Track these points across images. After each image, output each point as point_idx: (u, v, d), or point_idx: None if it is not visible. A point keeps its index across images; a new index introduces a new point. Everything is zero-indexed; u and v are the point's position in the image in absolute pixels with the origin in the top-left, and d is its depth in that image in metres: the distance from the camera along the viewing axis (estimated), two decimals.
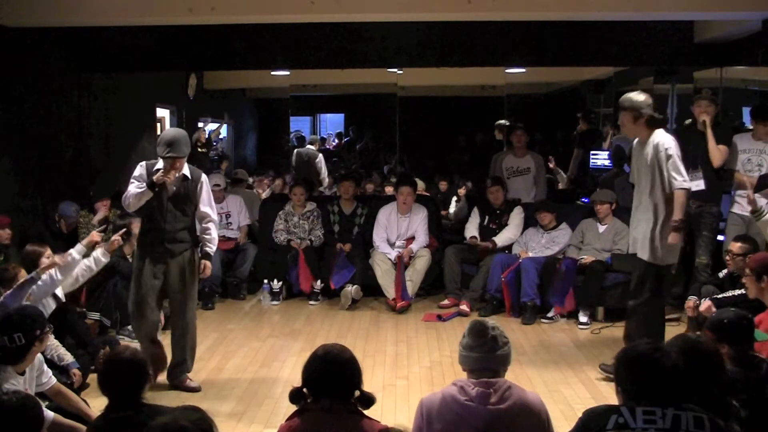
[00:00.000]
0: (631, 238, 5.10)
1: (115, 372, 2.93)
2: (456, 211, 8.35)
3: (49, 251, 5.04)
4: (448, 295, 7.13)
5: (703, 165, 6.09)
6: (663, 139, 4.80)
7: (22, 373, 3.56)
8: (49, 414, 3.41)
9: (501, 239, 7.09)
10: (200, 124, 11.85)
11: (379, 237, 7.36)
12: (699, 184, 6.09)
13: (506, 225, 7.18)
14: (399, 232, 7.38)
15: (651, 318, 4.88)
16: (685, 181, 4.76)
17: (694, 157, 6.17)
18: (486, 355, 2.85)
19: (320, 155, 11.19)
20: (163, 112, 11.09)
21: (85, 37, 7.38)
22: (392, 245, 7.33)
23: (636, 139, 5.01)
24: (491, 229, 7.19)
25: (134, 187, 4.71)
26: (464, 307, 6.85)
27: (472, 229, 7.27)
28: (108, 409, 2.91)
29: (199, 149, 11.21)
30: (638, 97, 4.88)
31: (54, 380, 3.83)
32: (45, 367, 3.81)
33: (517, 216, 7.18)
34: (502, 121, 9.94)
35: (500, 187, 7.27)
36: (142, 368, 2.99)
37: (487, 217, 7.27)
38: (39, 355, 3.75)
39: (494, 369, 2.86)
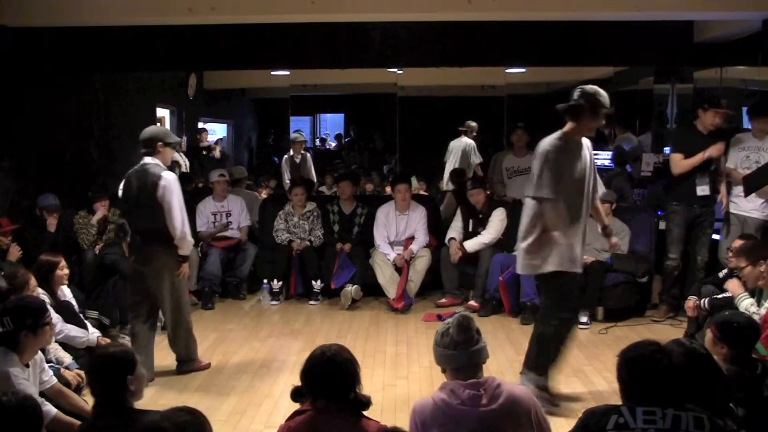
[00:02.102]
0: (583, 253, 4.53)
1: (100, 368, 2.91)
2: (443, 209, 8.31)
3: (63, 262, 5.04)
4: (446, 294, 7.13)
5: (709, 170, 6.20)
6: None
7: (26, 367, 3.59)
8: (52, 410, 3.46)
9: (471, 245, 7.02)
10: (200, 124, 11.85)
11: (379, 236, 7.35)
12: (704, 190, 6.16)
13: None
14: (398, 230, 7.37)
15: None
16: None
17: (703, 161, 6.21)
18: (470, 351, 2.89)
19: (282, 159, 10.51)
20: (162, 112, 11.09)
21: (85, 37, 7.37)
22: (392, 244, 7.33)
23: (563, 141, 4.31)
24: (477, 234, 7.15)
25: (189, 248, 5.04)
26: (473, 303, 6.87)
27: (452, 232, 7.23)
28: (93, 415, 2.89)
29: (203, 151, 11.21)
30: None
31: (54, 380, 3.84)
32: (46, 365, 3.83)
33: (496, 218, 7.06)
34: None
35: (481, 190, 7.24)
36: (128, 365, 2.93)
37: (471, 221, 7.23)
38: (40, 354, 3.78)
39: (477, 364, 2.90)
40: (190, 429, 2.35)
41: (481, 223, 7.14)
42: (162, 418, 2.35)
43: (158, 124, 10.58)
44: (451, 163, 9.85)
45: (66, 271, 5.08)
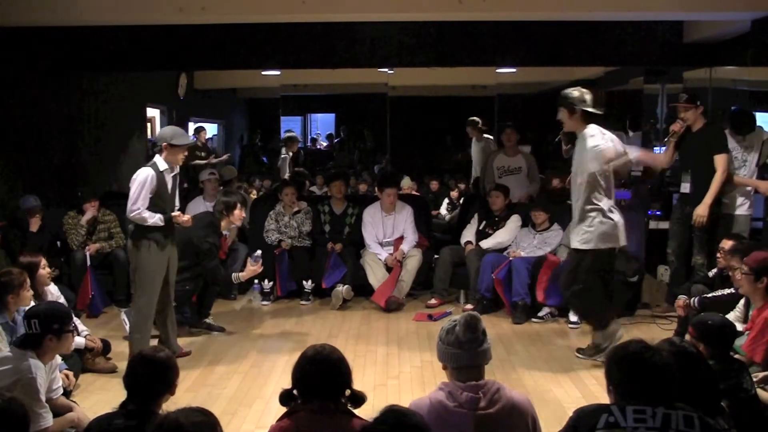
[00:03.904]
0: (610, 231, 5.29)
1: (142, 370, 2.92)
2: (452, 216, 8.32)
3: (44, 261, 5.02)
4: (434, 294, 7.13)
5: (693, 168, 6.15)
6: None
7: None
8: (49, 421, 3.52)
9: (486, 245, 7.06)
10: (191, 124, 11.81)
11: (369, 236, 7.34)
12: (686, 187, 6.14)
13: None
14: (386, 231, 7.37)
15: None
16: None
17: (685, 159, 6.22)
18: (474, 351, 2.85)
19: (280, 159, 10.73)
20: (153, 112, 11.07)
21: (76, 37, 7.34)
22: (381, 245, 7.32)
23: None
24: (487, 234, 7.17)
25: (155, 219, 5.14)
26: (469, 306, 6.88)
27: (468, 235, 7.26)
28: (120, 411, 2.86)
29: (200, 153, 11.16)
30: (573, 92, 5.15)
31: (61, 391, 3.87)
32: (59, 374, 3.88)
33: (512, 222, 7.12)
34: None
35: (500, 193, 7.25)
36: (176, 370, 3.00)
37: (484, 222, 7.25)
38: (58, 359, 3.86)
39: (480, 365, 2.87)
40: (204, 429, 2.35)
41: (495, 225, 7.16)
42: (178, 416, 2.35)
43: (148, 124, 10.57)
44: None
45: (48, 270, 5.06)
